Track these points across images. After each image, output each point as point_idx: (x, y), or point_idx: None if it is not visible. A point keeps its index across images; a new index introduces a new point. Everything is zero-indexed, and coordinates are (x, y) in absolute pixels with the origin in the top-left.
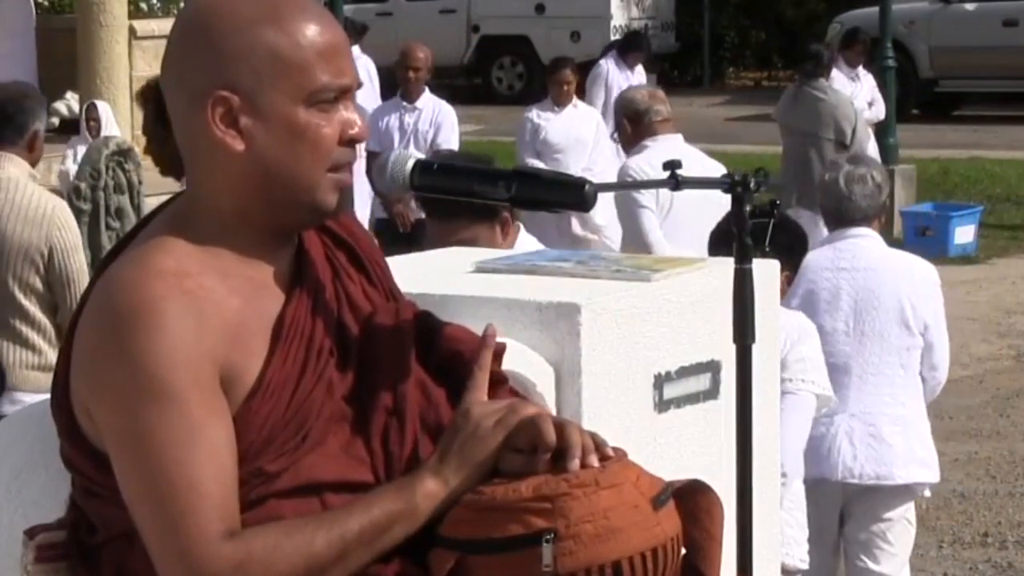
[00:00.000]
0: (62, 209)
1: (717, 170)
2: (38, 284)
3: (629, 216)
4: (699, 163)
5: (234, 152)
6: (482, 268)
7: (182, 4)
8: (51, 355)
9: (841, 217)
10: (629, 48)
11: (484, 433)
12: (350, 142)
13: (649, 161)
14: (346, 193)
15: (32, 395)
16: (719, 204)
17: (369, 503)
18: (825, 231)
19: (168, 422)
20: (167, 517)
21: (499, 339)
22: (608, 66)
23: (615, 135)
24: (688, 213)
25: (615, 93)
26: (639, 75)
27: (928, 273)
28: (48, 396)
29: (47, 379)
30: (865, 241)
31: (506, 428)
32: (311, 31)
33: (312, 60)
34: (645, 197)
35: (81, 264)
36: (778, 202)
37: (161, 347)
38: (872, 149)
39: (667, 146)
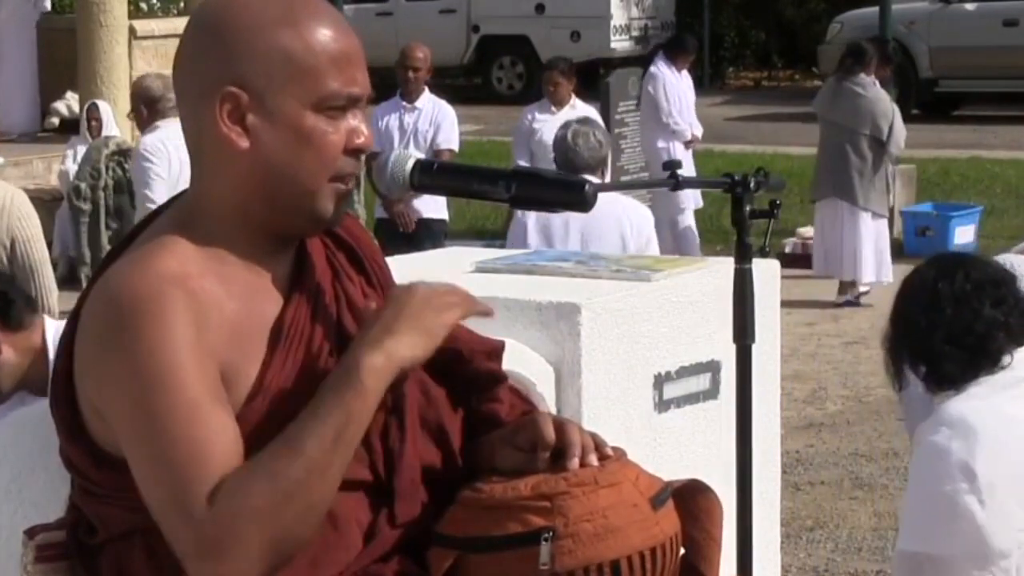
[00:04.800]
0: (21, 199)
1: None
2: None
3: (140, 180)
4: None
5: (238, 149)
6: (482, 268)
7: (182, 4)
8: None
9: (568, 166)
10: (678, 51)
11: (437, 307)
12: (355, 151)
13: (161, 139)
14: (345, 202)
15: None
16: None
17: (317, 409)
18: (863, 222)
19: (173, 404)
20: (174, 493)
21: (499, 339)
22: (663, 70)
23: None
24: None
25: (672, 96)
26: (686, 77)
27: (640, 209)
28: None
29: None
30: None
31: (458, 315)
32: (326, 36)
33: (324, 66)
34: (159, 167)
35: (43, 253)
36: (778, 202)
37: (164, 337)
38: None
39: (176, 126)
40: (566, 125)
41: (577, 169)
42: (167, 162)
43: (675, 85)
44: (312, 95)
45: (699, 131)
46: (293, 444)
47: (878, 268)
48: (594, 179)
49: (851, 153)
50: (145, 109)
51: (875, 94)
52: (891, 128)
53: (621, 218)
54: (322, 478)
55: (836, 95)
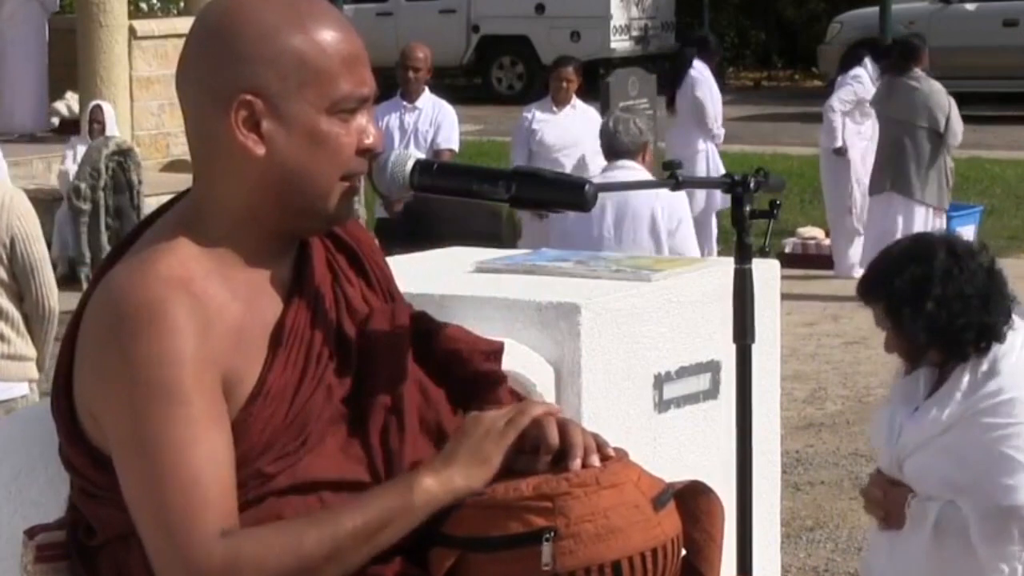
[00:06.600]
0: (20, 198)
1: None
2: (2, 273)
3: None
4: None
5: (254, 156)
6: (482, 268)
7: (182, 4)
8: (19, 343)
9: (611, 150)
10: (709, 52)
11: (495, 435)
12: (366, 151)
13: None
14: (352, 199)
15: (1, 383)
16: None
17: (364, 501)
18: (919, 216)
19: (169, 425)
20: (163, 517)
21: (499, 340)
22: (704, 74)
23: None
24: None
25: (713, 96)
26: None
27: (674, 196)
28: (16, 386)
29: (16, 367)
30: (627, 172)
31: (517, 429)
32: (335, 39)
33: (337, 68)
34: None
35: (43, 251)
36: (778, 202)
37: (165, 350)
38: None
39: None
40: (609, 114)
41: (619, 154)
42: None
43: (715, 87)
44: (326, 99)
45: (722, 132)
46: (327, 530)
47: None
48: (635, 163)
49: (909, 146)
50: None
51: (930, 87)
52: (948, 119)
53: (653, 199)
54: (342, 567)
55: (891, 90)
